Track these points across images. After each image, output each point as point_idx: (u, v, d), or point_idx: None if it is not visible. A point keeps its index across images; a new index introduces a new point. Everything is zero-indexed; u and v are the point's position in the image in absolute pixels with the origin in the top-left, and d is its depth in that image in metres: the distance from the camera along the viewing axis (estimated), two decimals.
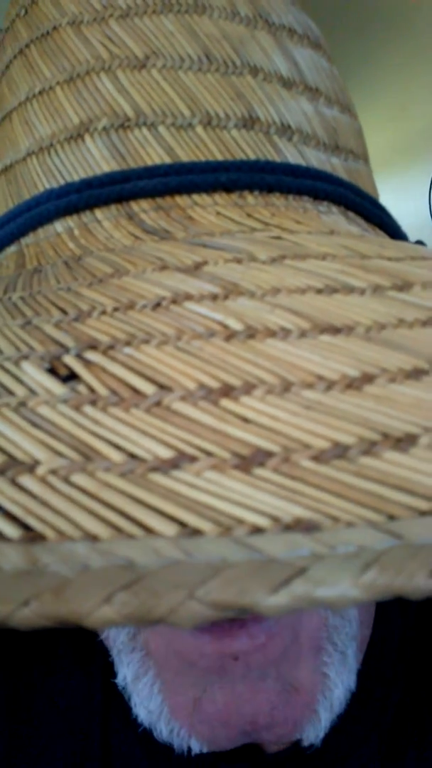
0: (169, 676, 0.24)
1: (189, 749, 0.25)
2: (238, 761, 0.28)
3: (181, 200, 0.22)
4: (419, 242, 0.31)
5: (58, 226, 0.23)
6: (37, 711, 0.30)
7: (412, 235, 0.30)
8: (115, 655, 0.26)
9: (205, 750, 0.25)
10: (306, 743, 0.26)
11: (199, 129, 0.22)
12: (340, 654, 0.25)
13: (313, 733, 0.25)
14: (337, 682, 0.25)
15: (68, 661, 0.31)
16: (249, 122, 0.23)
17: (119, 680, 0.27)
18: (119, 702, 0.27)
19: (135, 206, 0.22)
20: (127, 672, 0.26)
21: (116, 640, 0.26)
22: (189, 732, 0.24)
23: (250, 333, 0.14)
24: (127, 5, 0.24)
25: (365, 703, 0.29)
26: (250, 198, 0.22)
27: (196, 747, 0.25)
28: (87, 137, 0.23)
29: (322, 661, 0.25)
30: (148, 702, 0.25)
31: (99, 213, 0.22)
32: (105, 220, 0.22)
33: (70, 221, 0.22)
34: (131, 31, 0.24)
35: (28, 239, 0.23)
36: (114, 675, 0.27)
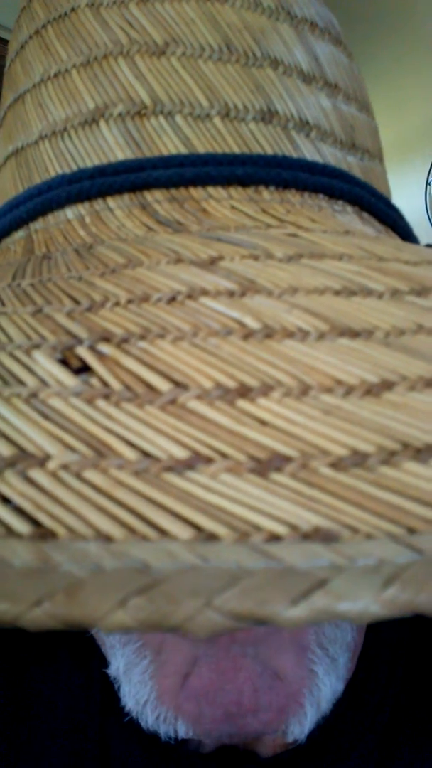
0: (162, 658, 0.24)
1: (192, 750, 0.25)
2: (235, 763, 0.28)
3: (196, 192, 0.21)
4: (430, 246, 0.31)
5: (69, 212, 0.22)
6: (36, 710, 0.30)
7: None
8: (108, 648, 0.26)
9: (191, 734, 0.25)
10: (290, 738, 0.26)
11: (217, 120, 0.22)
12: (330, 659, 0.25)
13: (299, 728, 0.25)
14: (325, 682, 0.25)
15: (67, 660, 0.31)
16: (267, 116, 0.23)
17: (111, 669, 0.27)
18: (118, 701, 0.26)
19: (149, 196, 0.21)
20: (120, 662, 0.26)
21: (109, 635, 0.26)
22: (175, 713, 0.24)
23: (268, 333, 0.13)
24: None
25: (361, 705, 0.29)
26: (266, 193, 0.22)
27: (182, 731, 0.24)
28: (102, 123, 0.22)
29: (309, 658, 0.25)
30: (138, 690, 0.25)
31: (111, 201, 0.21)
32: (117, 209, 0.21)
33: (82, 208, 0.22)
34: (151, 17, 0.23)
35: (37, 224, 0.23)
36: None
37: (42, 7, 0.25)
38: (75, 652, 0.31)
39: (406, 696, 0.30)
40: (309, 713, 0.25)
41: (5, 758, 0.29)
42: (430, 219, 2.12)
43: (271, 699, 0.24)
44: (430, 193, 2.08)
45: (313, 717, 0.25)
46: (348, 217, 0.23)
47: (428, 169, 2.06)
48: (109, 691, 0.29)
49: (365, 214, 0.25)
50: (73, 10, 0.24)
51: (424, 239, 0.32)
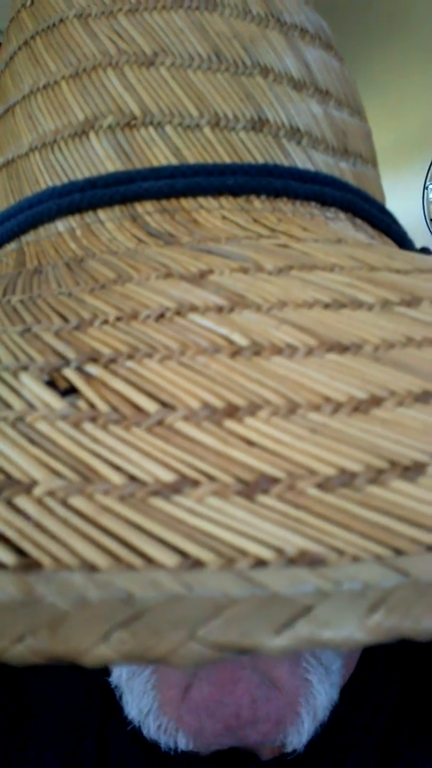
0: (164, 668, 0.24)
1: (192, 754, 0.25)
2: (235, 766, 0.28)
3: (187, 203, 0.21)
4: (424, 249, 0.31)
5: (60, 225, 0.22)
6: (35, 712, 0.30)
7: None
8: None
9: (191, 746, 0.25)
10: (289, 748, 0.26)
11: (207, 130, 0.22)
12: (323, 667, 0.25)
13: (297, 737, 0.25)
14: (320, 690, 0.25)
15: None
16: (258, 124, 0.23)
17: (113, 678, 0.27)
18: (117, 704, 0.27)
19: (139, 208, 0.21)
20: (122, 671, 0.26)
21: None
22: (177, 725, 0.24)
23: (256, 350, 0.13)
24: None
25: (361, 706, 0.29)
26: (257, 203, 0.22)
27: (183, 743, 0.25)
28: (92, 135, 0.22)
29: (303, 667, 0.25)
30: (140, 699, 0.25)
31: (102, 213, 0.21)
32: (108, 221, 0.21)
33: (72, 221, 0.22)
34: (140, 27, 0.23)
35: (28, 237, 0.23)
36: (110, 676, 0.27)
37: (30, 18, 0.25)
38: None
39: (406, 697, 0.30)
40: (306, 722, 0.25)
41: (4, 759, 0.29)
42: (427, 222, 2.12)
43: (269, 710, 0.24)
44: (427, 197, 2.08)
45: (310, 726, 0.25)
46: (341, 224, 0.23)
47: (425, 173, 2.07)
48: (108, 693, 0.29)
49: (358, 220, 0.25)
50: (61, 21, 0.24)
51: (421, 243, 0.32)
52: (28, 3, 0.26)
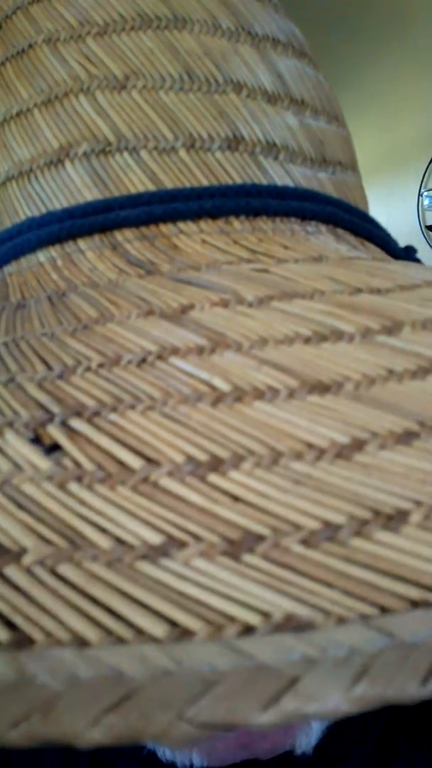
0: None
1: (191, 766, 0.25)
2: (233, 766, 0.28)
3: (166, 228, 0.21)
4: (408, 248, 0.31)
5: (41, 255, 0.22)
6: None
7: (402, 243, 0.30)
8: None
9: (205, 764, 0.25)
10: (299, 751, 0.26)
11: (183, 152, 0.22)
12: None
13: (306, 741, 0.26)
14: None
15: None
16: (233, 143, 0.22)
17: None
18: None
19: (119, 236, 0.21)
20: None
21: None
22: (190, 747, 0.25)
23: (238, 395, 0.14)
24: (104, 21, 0.23)
25: None
26: (236, 223, 0.22)
27: (198, 762, 0.25)
28: (67, 163, 0.22)
29: None
30: None
31: (82, 243, 0.21)
32: (88, 251, 0.21)
33: (53, 251, 0.22)
34: (109, 50, 0.23)
35: (10, 268, 0.23)
36: None
37: None
38: None
39: None
40: (314, 726, 0.25)
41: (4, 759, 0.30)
42: (422, 230, 2.12)
43: None
44: (422, 205, 2.08)
45: (318, 728, 0.26)
46: (322, 237, 0.23)
47: (420, 181, 2.07)
48: None
49: (340, 231, 0.25)
50: (30, 46, 0.24)
51: (418, 249, 0.32)
52: None
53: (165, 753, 0.25)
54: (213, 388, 0.14)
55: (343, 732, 0.29)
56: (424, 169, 2.02)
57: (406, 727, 0.30)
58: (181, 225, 0.21)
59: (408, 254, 0.30)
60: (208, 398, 0.13)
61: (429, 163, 2.02)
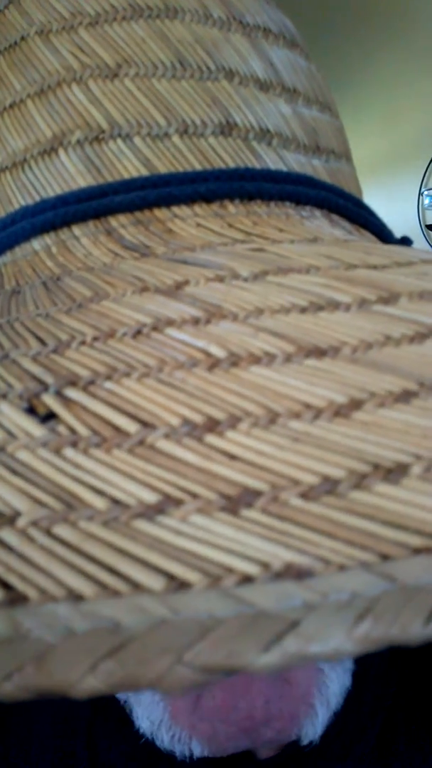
0: None
1: (190, 756, 0.25)
2: (232, 764, 0.28)
3: (160, 213, 0.21)
4: (404, 239, 0.31)
5: (36, 243, 0.22)
6: (25, 710, 0.30)
7: None
8: None
9: (206, 752, 0.25)
10: (305, 741, 0.26)
11: (176, 138, 0.22)
12: None
13: (312, 729, 0.25)
14: (333, 677, 0.25)
15: None
16: (227, 128, 0.23)
17: (120, 694, 0.27)
18: (106, 716, 0.26)
19: (113, 221, 0.21)
20: None
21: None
22: (190, 733, 0.24)
23: (234, 360, 0.13)
24: (96, 12, 0.23)
25: (360, 703, 0.29)
26: (231, 207, 0.22)
27: (198, 750, 0.25)
28: (61, 151, 0.22)
29: None
30: (150, 711, 0.25)
31: (77, 229, 0.21)
32: (83, 237, 0.21)
33: (48, 239, 0.22)
34: (101, 39, 0.23)
35: (5, 258, 0.23)
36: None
37: None
38: None
39: (405, 694, 0.30)
40: (320, 713, 0.25)
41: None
42: (422, 228, 2.13)
43: (282, 707, 0.24)
44: (422, 204, 2.10)
45: (324, 716, 0.25)
46: (317, 221, 0.23)
47: (421, 180, 2.08)
48: (96, 705, 0.29)
49: (335, 216, 0.25)
50: (23, 38, 0.24)
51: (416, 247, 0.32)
52: None
53: (164, 742, 0.24)
54: (209, 354, 0.14)
55: (342, 731, 0.29)
56: (424, 169, 2.03)
57: (406, 726, 0.30)
58: (176, 209, 0.21)
59: (404, 245, 0.30)
60: (204, 364, 0.13)
61: (429, 163, 2.03)
